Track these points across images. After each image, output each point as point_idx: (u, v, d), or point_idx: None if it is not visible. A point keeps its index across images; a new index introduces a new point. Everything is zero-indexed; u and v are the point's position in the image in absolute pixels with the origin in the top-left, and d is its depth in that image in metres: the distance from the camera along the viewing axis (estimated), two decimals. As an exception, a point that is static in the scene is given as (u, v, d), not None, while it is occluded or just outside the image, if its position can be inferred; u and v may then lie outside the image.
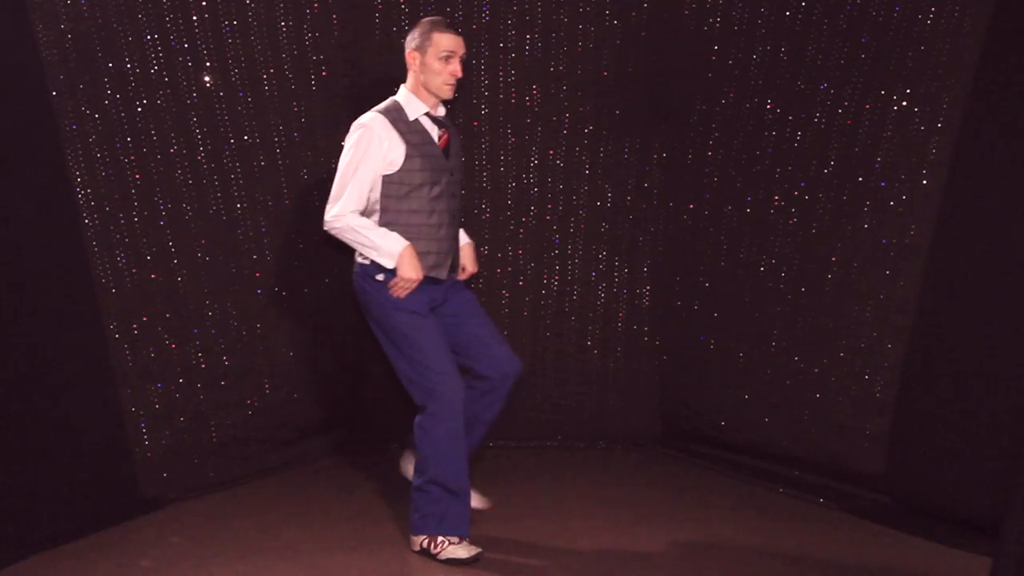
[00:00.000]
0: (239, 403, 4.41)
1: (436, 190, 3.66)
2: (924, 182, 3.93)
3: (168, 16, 4.05)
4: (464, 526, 3.63)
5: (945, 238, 3.87)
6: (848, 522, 4.02)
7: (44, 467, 3.66)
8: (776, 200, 4.45)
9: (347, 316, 4.87)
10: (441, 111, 3.76)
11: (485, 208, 4.95)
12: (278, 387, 4.56)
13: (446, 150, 3.71)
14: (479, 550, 3.59)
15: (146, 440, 4.09)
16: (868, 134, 4.10)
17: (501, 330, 4.96)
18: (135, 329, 4.04)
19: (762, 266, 4.52)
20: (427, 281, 3.67)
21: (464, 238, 3.99)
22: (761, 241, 4.51)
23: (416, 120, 3.66)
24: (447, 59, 3.63)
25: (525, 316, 5.02)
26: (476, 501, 4.00)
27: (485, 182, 4.94)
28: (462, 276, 3.95)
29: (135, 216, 4.03)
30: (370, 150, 3.59)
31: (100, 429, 3.93)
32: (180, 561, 3.54)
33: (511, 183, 4.95)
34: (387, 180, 3.61)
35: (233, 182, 4.34)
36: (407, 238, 3.60)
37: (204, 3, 4.15)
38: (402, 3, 4.75)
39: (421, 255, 3.62)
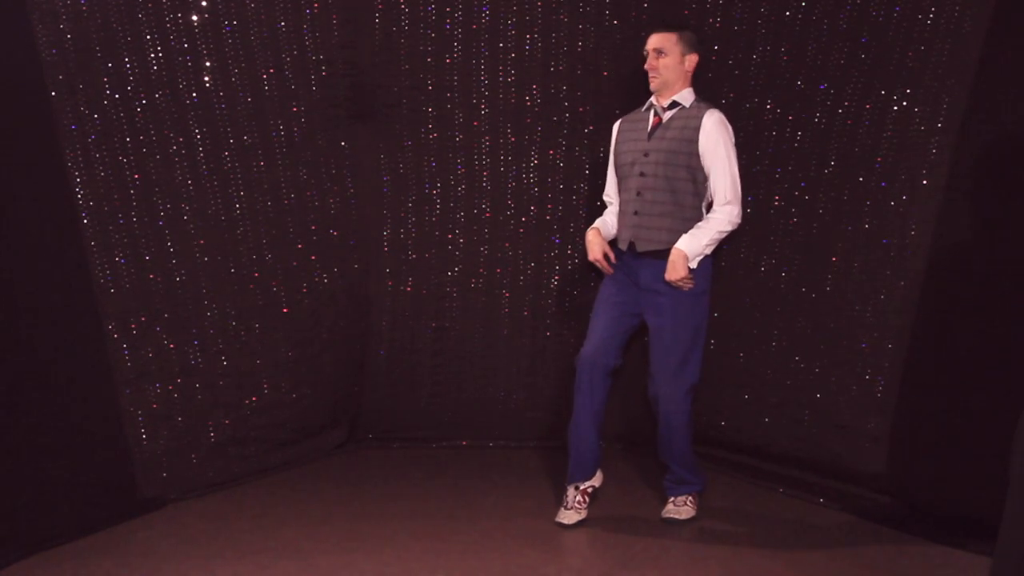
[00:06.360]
0: (238, 403, 4.41)
1: (630, 169, 3.95)
2: (924, 182, 3.93)
3: (168, 16, 4.05)
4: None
5: (945, 238, 3.87)
6: (848, 522, 4.02)
7: (43, 467, 3.66)
8: (776, 200, 4.45)
9: (347, 316, 4.87)
10: (664, 102, 3.99)
11: (485, 208, 4.95)
12: (277, 387, 4.56)
13: (651, 132, 3.95)
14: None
15: (145, 440, 4.09)
16: (868, 134, 4.10)
17: (501, 329, 5.01)
18: (134, 329, 4.04)
19: (762, 266, 4.52)
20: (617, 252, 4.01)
21: (679, 241, 3.82)
22: (761, 241, 4.51)
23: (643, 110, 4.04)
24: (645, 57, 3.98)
25: (525, 316, 5.01)
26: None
27: (485, 182, 4.93)
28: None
29: (134, 216, 4.03)
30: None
31: (99, 429, 3.93)
32: (180, 561, 3.54)
33: (511, 183, 4.94)
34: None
35: (232, 182, 4.33)
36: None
37: (204, 3, 4.16)
38: (402, 3, 4.75)
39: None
